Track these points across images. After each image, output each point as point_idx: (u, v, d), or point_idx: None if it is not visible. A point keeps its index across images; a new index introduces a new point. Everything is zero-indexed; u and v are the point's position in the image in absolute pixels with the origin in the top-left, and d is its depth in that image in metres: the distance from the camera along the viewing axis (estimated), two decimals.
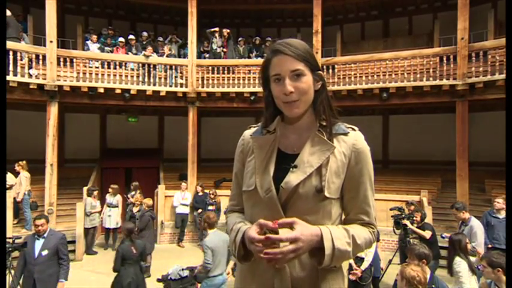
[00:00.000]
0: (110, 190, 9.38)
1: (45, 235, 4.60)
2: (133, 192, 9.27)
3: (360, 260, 5.03)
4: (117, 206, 9.33)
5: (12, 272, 4.89)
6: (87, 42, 10.28)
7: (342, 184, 1.24)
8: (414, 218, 5.93)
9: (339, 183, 1.23)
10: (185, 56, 10.59)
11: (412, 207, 6.56)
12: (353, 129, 1.29)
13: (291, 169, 1.22)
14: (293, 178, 1.20)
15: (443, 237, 5.68)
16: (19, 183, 8.44)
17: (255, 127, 1.41)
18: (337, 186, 1.23)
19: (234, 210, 1.44)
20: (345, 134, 1.27)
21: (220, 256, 4.79)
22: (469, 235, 5.27)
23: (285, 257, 1.08)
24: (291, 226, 1.12)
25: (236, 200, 1.43)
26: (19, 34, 8.97)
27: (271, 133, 1.32)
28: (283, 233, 1.11)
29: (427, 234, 5.76)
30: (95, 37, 10.21)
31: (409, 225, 5.73)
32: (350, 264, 5.07)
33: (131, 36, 10.59)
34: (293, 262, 1.20)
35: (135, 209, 8.41)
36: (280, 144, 1.31)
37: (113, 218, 9.17)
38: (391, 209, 6.09)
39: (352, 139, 1.26)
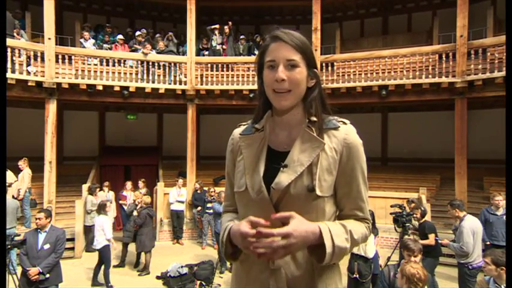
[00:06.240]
0: (103, 187, 9.52)
1: (47, 230, 4.82)
2: (143, 190, 9.34)
3: (365, 261, 4.99)
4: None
5: (11, 269, 4.92)
6: (80, 40, 10.14)
7: (334, 181, 1.21)
8: (414, 216, 5.90)
9: (331, 181, 1.20)
10: (184, 53, 10.56)
11: (413, 205, 6.56)
12: (344, 123, 1.24)
13: (281, 169, 1.18)
14: (284, 178, 1.17)
15: (436, 240, 5.70)
16: (21, 180, 8.41)
17: (244, 125, 1.37)
18: (330, 183, 1.19)
19: (228, 210, 1.42)
20: (336, 128, 1.22)
21: (11, 216, 6.97)
22: (459, 234, 5.21)
23: (276, 252, 1.03)
24: (287, 221, 1.07)
25: (230, 201, 1.40)
26: (13, 30, 8.84)
27: (260, 131, 1.28)
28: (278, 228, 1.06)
29: (431, 237, 5.74)
30: (86, 34, 9.99)
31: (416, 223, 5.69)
32: (350, 262, 5.07)
33: (139, 33, 10.42)
34: (288, 262, 1.18)
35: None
36: (270, 141, 1.27)
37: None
38: (391, 206, 6.08)
39: (343, 133, 1.21)
